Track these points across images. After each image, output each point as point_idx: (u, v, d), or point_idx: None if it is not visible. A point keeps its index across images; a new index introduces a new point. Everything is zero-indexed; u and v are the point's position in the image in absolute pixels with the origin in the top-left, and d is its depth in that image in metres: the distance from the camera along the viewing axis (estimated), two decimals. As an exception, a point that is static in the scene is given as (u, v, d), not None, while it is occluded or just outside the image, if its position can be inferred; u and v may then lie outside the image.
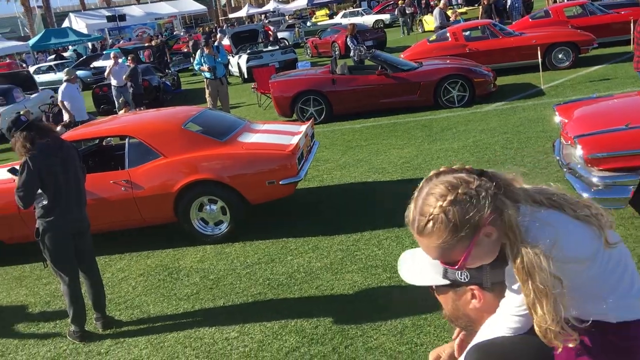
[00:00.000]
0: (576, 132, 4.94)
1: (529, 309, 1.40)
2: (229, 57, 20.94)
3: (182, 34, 43.75)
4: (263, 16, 51.89)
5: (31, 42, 32.66)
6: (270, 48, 20.95)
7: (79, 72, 25.45)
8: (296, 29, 32.25)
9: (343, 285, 4.65)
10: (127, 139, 6.17)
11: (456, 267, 1.45)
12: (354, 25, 15.61)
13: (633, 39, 8.51)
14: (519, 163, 6.96)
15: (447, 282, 1.60)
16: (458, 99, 10.66)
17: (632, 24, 11.38)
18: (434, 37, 14.70)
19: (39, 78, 23.18)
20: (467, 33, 13.82)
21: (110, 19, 40.96)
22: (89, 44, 36.97)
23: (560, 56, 12.61)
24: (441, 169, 1.51)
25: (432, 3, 30.71)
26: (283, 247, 5.63)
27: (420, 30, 27.97)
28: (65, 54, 33.22)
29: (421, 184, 1.48)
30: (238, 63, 20.06)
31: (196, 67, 13.54)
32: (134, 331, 4.51)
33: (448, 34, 13.82)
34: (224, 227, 5.98)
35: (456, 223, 1.37)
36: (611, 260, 1.45)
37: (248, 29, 23.66)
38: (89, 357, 4.22)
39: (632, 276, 1.52)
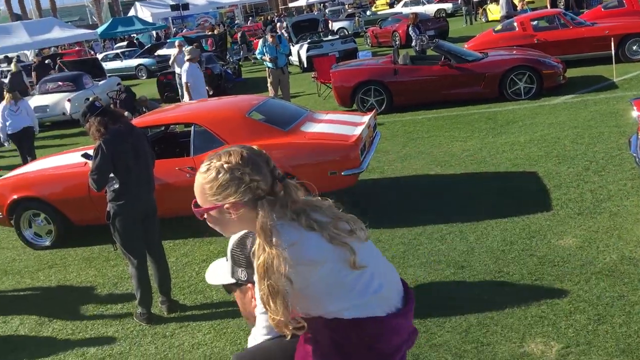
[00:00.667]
0: (658, 128, 4.67)
1: (263, 304, 1.63)
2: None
3: (242, 22, 44.28)
4: (322, 5, 51.78)
5: (99, 30, 33.78)
6: (330, 37, 20.89)
7: (144, 60, 26.27)
8: (356, 18, 32.01)
9: (405, 279, 4.54)
10: (192, 127, 6.27)
11: (198, 210, 1.73)
12: (416, 14, 15.36)
13: None
14: (590, 159, 6.68)
15: (233, 280, 1.86)
16: (525, 91, 10.32)
17: None
18: (499, 26, 14.28)
19: (106, 65, 23.91)
20: (536, 23, 13.33)
21: (174, 7, 41.75)
22: (153, 33, 37.86)
23: (634, 48, 12.03)
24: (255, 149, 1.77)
25: (497, -8, 29.85)
26: (344, 238, 5.59)
27: (483, 19, 27.26)
28: (124, 43, 34.20)
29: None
30: (298, 52, 20.09)
31: (258, 57, 13.61)
32: (197, 316, 4.59)
33: (515, 24, 13.39)
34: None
35: (217, 181, 1.67)
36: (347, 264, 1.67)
37: (308, 18, 23.67)
38: (155, 339, 4.32)
39: (371, 277, 1.72)
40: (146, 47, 28.83)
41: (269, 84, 12.77)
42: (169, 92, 17.08)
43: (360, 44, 23.51)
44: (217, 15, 46.31)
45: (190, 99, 10.12)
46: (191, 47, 10.96)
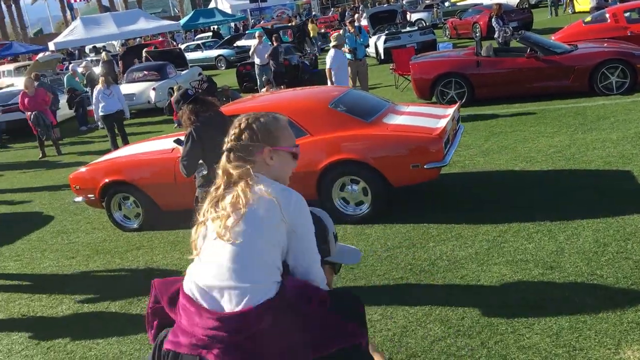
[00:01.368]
0: None
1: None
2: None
3: (318, 14, 44.45)
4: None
5: (182, 21, 34.85)
6: (408, 29, 20.62)
7: (224, 51, 26.86)
8: (434, 9, 31.45)
9: (490, 278, 4.45)
10: (276, 116, 6.33)
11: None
12: (500, 5, 14.88)
13: None
14: (692, 159, 6.25)
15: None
16: (617, 85, 9.80)
17: None
18: (589, 18, 13.63)
19: (187, 56, 24.64)
20: (629, 14, 12.62)
21: (252, 0, 42.48)
22: (232, 24, 38.66)
23: None
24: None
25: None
26: (424, 232, 5.51)
27: (570, 11, 26.10)
28: (204, 34, 35.07)
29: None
30: (375, 44, 19.97)
31: None
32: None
33: (607, 15, 12.72)
34: (364, 208, 5.98)
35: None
36: None
37: (387, 9, 23.45)
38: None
39: None
40: (226, 38, 29.48)
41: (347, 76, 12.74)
42: (248, 82, 17.42)
43: (439, 35, 23.07)
44: (294, 6, 46.70)
45: (332, 84, 10.04)
46: (337, 34, 11.05)
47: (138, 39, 27.79)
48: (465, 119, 9.59)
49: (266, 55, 15.07)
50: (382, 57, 19.00)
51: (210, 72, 22.69)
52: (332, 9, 51.07)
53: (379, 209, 5.94)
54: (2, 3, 55.67)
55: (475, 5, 27.28)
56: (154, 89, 15.80)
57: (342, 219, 6.00)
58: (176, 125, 12.89)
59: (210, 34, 34.42)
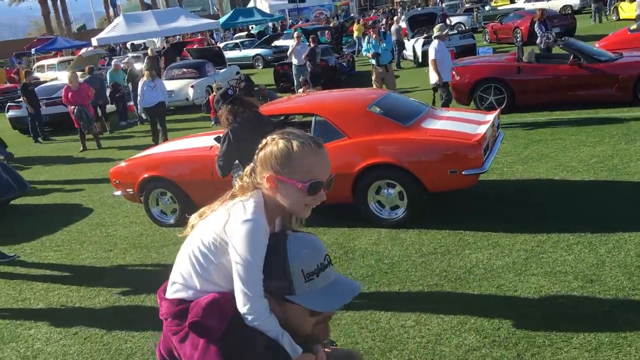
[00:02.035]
0: None
1: None
2: (404, 40, 20.80)
3: (357, 15, 44.38)
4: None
5: (221, 20, 35.19)
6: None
7: (261, 51, 27.04)
8: (474, 13, 31.06)
9: (527, 288, 4.37)
10: (313, 117, 6.35)
11: None
12: (543, 10, 14.64)
13: None
14: None
15: None
16: (663, 95, 9.52)
17: None
18: (634, 26, 13.31)
19: (225, 54, 24.89)
20: (678, 22, 12.26)
21: (291, 0, 42.69)
22: (270, 24, 38.89)
23: None
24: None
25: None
26: (460, 239, 5.45)
27: (614, 17, 25.49)
28: (243, 33, 35.40)
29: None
30: (413, 47, 19.84)
31: (364, 53, 13.54)
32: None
33: (655, 23, 12.37)
34: (400, 212, 5.94)
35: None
36: None
37: (426, 12, 23.25)
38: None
39: None
40: (264, 38, 29.68)
41: (372, 81, 12.67)
42: (285, 82, 17.49)
43: (478, 40, 22.79)
44: (333, 7, 46.76)
45: (439, 75, 9.71)
46: (440, 24, 10.98)
47: (178, 37, 28.20)
48: (504, 125, 9.44)
49: (303, 56, 15.11)
50: (420, 60, 18.85)
51: (247, 71, 22.87)
52: (373, 10, 50.95)
53: (415, 213, 5.89)
54: (49, -1, 57.13)
55: (517, 9, 26.86)
56: (192, 86, 16.01)
57: (377, 223, 5.97)
58: (213, 122, 13.04)
59: (245, 33, 34.76)
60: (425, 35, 19.57)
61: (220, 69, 18.25)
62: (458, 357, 3.63)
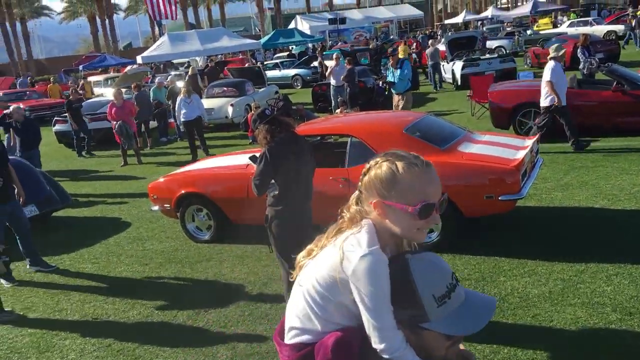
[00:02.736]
0: None
1: None
2: (442, 63, 20.74)
3: (396, 37, 44.52)
4: (480, 23, 50.53)
5: (263, 40, 35.80)
6: (488, 56, 20.28)
7: (300, 71, 27.33)
8: (516, 37, 30.82)
9: (564, 319, 4.26)
10: (349, 138, 6.37)
11: None
12: (586, 35, 14.43)
13: None
14: None
15: None
16: None
17: None
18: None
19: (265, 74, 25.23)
20: None
21: (331, 21, 43.11)
22: (310, 45, 39.32)
23: None
24: None
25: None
26: (495, 266, 5.35)
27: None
28: (282, 54, 35.89)
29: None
30: (452, 70, 19.76)
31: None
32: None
33: None
34: (434, 236, 5.88)
35: None
36: None
37: (466, 35, 23.17)
38: (300, 343, 4.41)
39: None
40: (304, 58, 30.01)
41: (393, 107, 12.62)
42: (323, 102, 17.61)
43: (519, 64, 22.55)
44: (372, 29, 46.99)
45: (558, 98, 9.14)
46: (557, 44, 10.49)
47: (220, 56, 28.76)
48: (544, 151, 9.28)
49: (342, 77, 15.21)
50: (459, 84, 18.75)
51: (286, 91, 23.14)
52: (412, 33, 51.06)
53: (449, 238, 5.82)
54: (98, 17, 59.17)
55: (560, 34, 26.53)
56: (231, 105, 16.26)
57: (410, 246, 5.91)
58: (250, 141, 13.20)
59: (287, 53, 35.27)
60: (464, 58, 19.49)
61: (260, 88, 18.49)
62: (489, 387, 3.55)
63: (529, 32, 34.78)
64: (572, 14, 40.99)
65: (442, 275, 1.64)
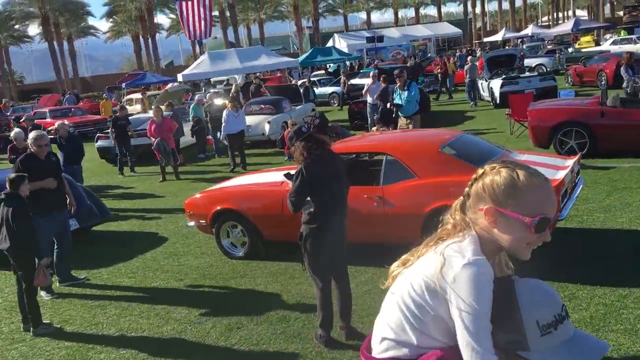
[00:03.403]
0: None
1: None
2: (480, 81, 20.53)
3: (434, 56, 44.36)
4: (520, 41, 49.97)
5: (300, 58, 36.17)
6: (527, 74, 20.00)
7: (337, 89, 27.45)
8: (557, 55, 30.33)
9: (606, 345, 4.09)
10: (384, 157, 6.33)
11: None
12: (631, 53, 14.10)
13: None
14: None
15: None
16: None
17: None
18: None
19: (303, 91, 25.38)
20: None
21: (369, 39, 43.26)
22: (347, 63, 39.50)
23: None
24: None
25: None
26: (534, 288, 5.20)
27: None
28: (319, 72, 36.18)
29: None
30: (490, 87, 19.53)
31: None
32: (374, 347, 4.55)
33: None
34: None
35: None
36: None
37: (505, 53, 22.91)
38: (332, 363, 4.37)
39: None
40: (338, 78, 30.14)
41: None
42: (359, 120, 17.61)
43: (560, 82, 22.15)
44: (410, 47, 46.95)
45: None
46: None
47: (258, 73, 29.14)
48: (585, 171, 9.06)
49: (375, 96, 15.19)
50: (498, 102, 18.51)
51: (323, 109, 23.24)
52: (450, 50, 50.83)
53: (486, 259, 5.69)
54: (141, 36, 60.83)
55: (602, 52, 26.01)
56: (268, 122, 16.41)
57: (445, 266, 5.81)
58: (287, 158, 13.27)
59: (323, 71, 35.56)
60: (503, 76, 19.25)
61: (296, 105, 18.63)
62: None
63: (570, 50, 34.23)
64: (622, 31, 40.07)
65: (550, 303, 1.55)
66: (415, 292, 1.62)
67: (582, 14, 73.20)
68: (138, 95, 28.27)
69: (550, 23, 69.26)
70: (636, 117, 9.83)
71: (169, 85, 31.78)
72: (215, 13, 54.17)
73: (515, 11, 73.10)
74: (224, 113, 13.60)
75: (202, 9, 27.51)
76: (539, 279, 1.61)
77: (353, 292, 5.44)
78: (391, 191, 6.06)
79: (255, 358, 4.58)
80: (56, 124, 11.77)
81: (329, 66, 39.53)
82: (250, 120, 16.65)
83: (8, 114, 31.28)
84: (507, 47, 42.56)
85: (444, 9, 75.61)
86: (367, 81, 17.59)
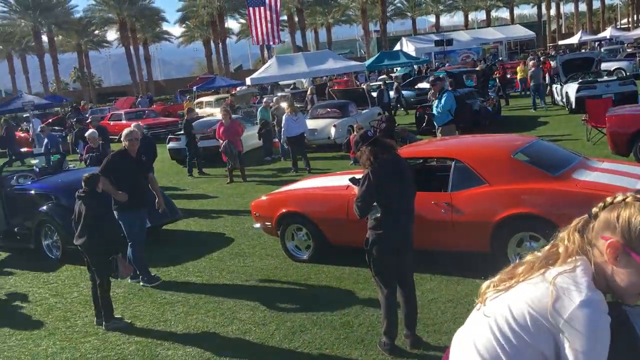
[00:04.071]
0: None
1: None
2: (555, 86, 19.79)
3: (506, 59, 43.19)
4: (597, 44, 47.92)
5: (367, 62, 36.06)
6: (606, 78, 19.10)
7: (404, 93, 27.19)
8: (637, 58, 28.87)
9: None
10: (453, 162, 6.18)
11: None
12: None
13: None
14: None
15: None
16: None
17: None
18: None
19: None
20: None
21: (437, 43, 42.65)
22: (415, 67, 39.07)
23: None
24: None
25: None
26: (612, 304, 4.92)
27: None
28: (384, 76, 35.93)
29: None
30: (566, 92, 18.78)
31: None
32: (438, 357, 4.43)
33: None
34: (543, 268, 5.52)
35: None
36: None
37: (581, 56, 22.01)
38: (396, 372, 4.28)
39: None
40: (408, 80, 29.87)
41: None
42: (426, 124, 17.33)
43: (641, 86, 21.04)
44: (480, 51, 45.90)
45: None
46: None
47: (325, 77, 29.31)
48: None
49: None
50: (574, 107, 17.78)
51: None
52: (522, 54, 49.38)
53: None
54: (212, 41, 62.48)
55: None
56: (334, 125, 16.42)
57: (516, 277, 5.60)
58: (352, 162, 13.22)
59: (384, 75, 35.31)
60: (580, 80, 18.48)
61: (363, 109, 18.55)
62: None
63: (652, 52, 32.48)
64: None
65: None
66: (515, 319, 1.50)
67: (666, 15, 69.31)
68: (208, 99, 29.01)
69: (630, 25, 65.93)
70: None
71: (238, 88, 32.45)
72: (284, 17, 54.95)
73: (592, 13, 70.20)
74: (283, 118, 13.79)
75: (271, 14, 27.92)
76: None
77: (418, 300, 5.32)
78: (460, 198, 5.91)
79: (318, 363, 4.55)
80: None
81: (396, 70, 39.23)
82: (316, 123, 16.73)
83: (87, 115, 32.86)
84: (583, 51, 40.94)
85: (516, 11, 73.44)
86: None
